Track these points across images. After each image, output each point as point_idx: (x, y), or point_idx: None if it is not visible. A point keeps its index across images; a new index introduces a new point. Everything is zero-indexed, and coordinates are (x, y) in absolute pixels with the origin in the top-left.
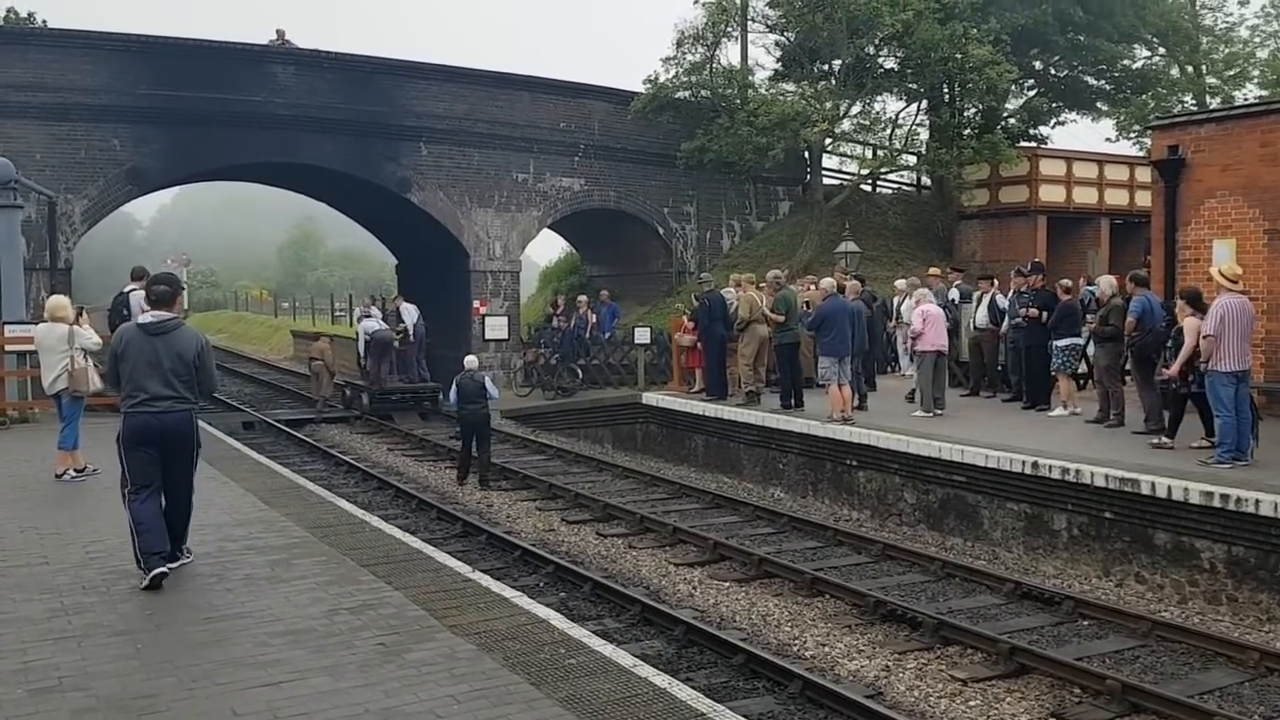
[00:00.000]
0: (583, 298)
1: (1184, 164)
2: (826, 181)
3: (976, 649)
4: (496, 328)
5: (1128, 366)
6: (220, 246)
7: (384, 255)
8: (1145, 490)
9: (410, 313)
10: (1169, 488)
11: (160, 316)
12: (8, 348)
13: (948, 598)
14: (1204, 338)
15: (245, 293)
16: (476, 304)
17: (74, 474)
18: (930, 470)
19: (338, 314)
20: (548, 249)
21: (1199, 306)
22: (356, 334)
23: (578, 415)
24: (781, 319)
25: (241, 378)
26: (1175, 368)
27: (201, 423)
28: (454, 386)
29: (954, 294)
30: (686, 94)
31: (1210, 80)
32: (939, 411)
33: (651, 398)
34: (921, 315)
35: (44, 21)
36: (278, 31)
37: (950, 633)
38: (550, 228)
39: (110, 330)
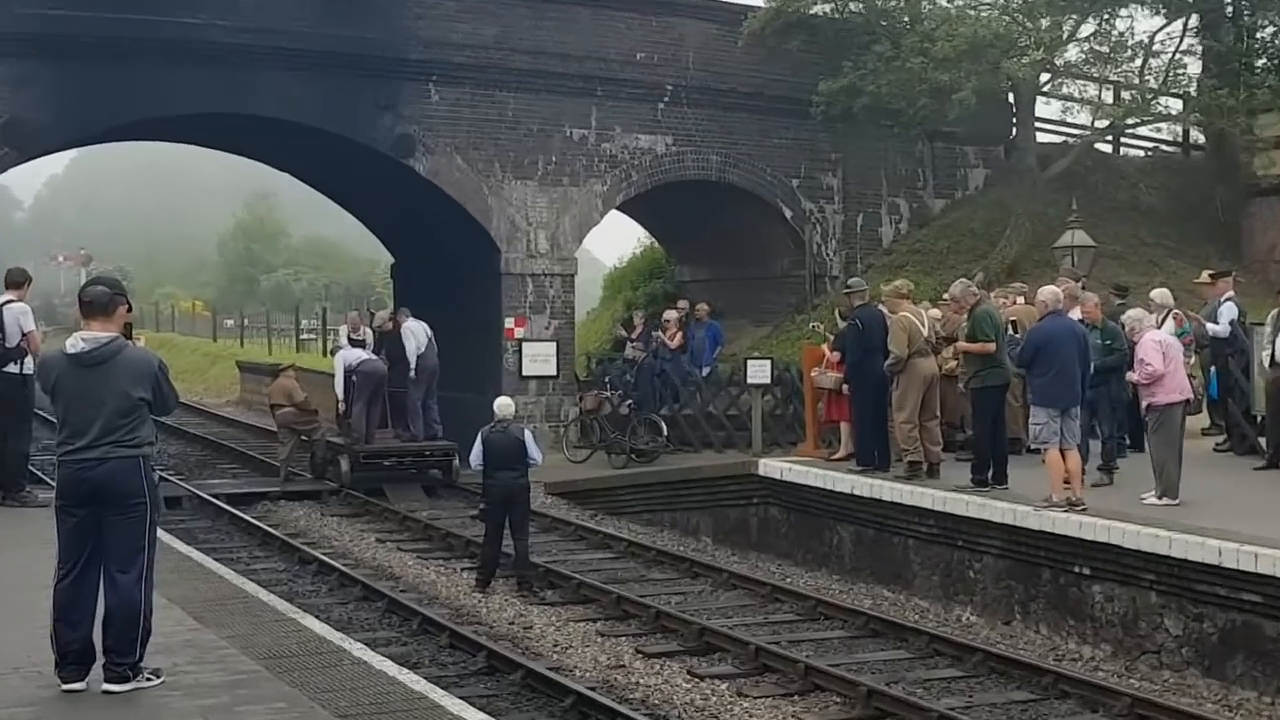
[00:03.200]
0: (671, 314)
1: None
2: (1042, 139)
3: None
4: (540, 359)
5: None
6: (135, 237)
7: (374, 250)
8: None
9: (416, 334)
10: None
11: (95, 340)
12: None
13: None
14: None
15: (172, 305)
16: (510, 323)
17: None
18: (1205, 584)
19: (305, 336)
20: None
21: None
22: (335, 367)
23: (662, 492)
24: (990, 347)
25: (166, 430)
26: None
27: None
28: (478, 445)
29: (1227, 311)
30: (827, 8)
31: None
32: (1172, 501)
33: (773, 467)
34: (1158, 348)
35: None
36: None
37: None
38: (621, 209)
39: None
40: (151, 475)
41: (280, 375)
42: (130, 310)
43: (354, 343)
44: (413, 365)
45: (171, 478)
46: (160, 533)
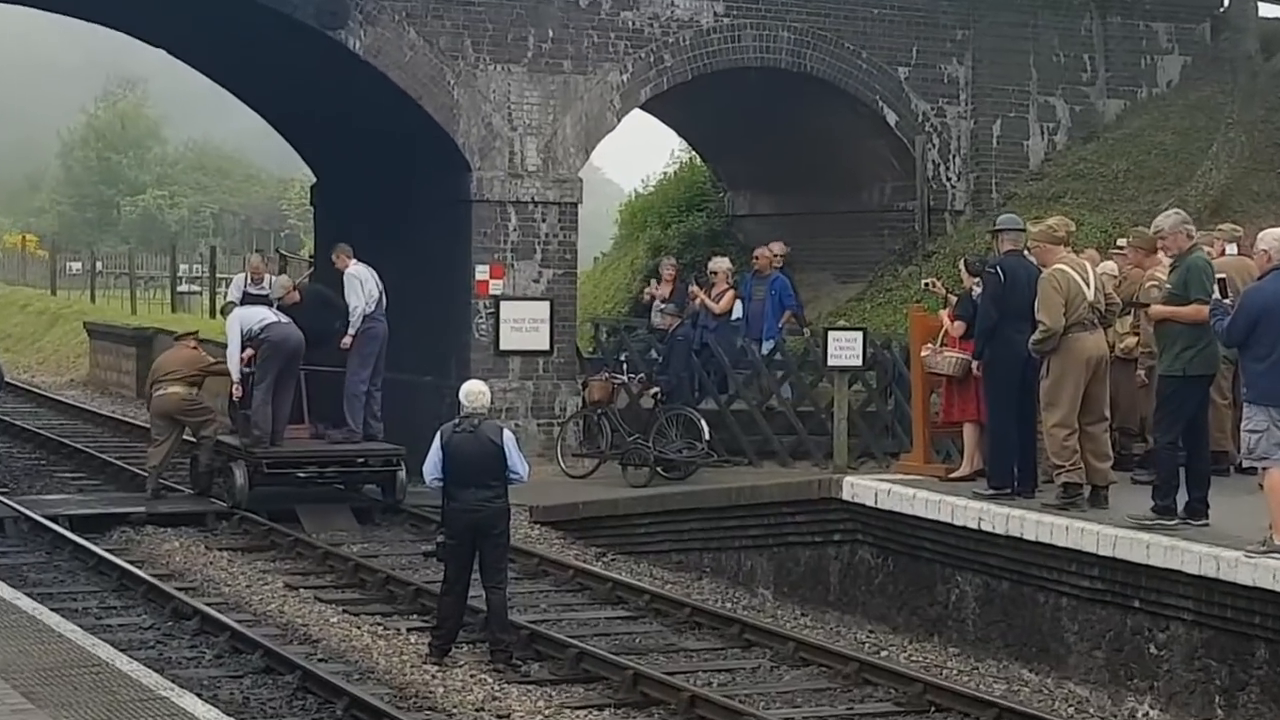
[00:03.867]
0: (719, 264)
1: None
2: (1268, 13)
3: None
4: (526, 326)
5: None
6: None
7: (287, 165)
8: None
9: (363, 281)
10: None
11: None
12: None
13: None
14: None
15: None
16: (484, 274)
17: None
18: None
19: (187, 288)
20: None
21: None
22: (228, 332)
23: (700, 522)
24: (1203, 312)
25: None
26: None
27: None
28: (435, 450)
29: None
30: None
31: None
32: None
33: (864, 488)
34: None
35: None
36: None
37: None
38: (647, 109)
39: None
40: None
41: (178, 344)
42: None
43: (252, 299)
44: (353, 327)
45: None
46: None
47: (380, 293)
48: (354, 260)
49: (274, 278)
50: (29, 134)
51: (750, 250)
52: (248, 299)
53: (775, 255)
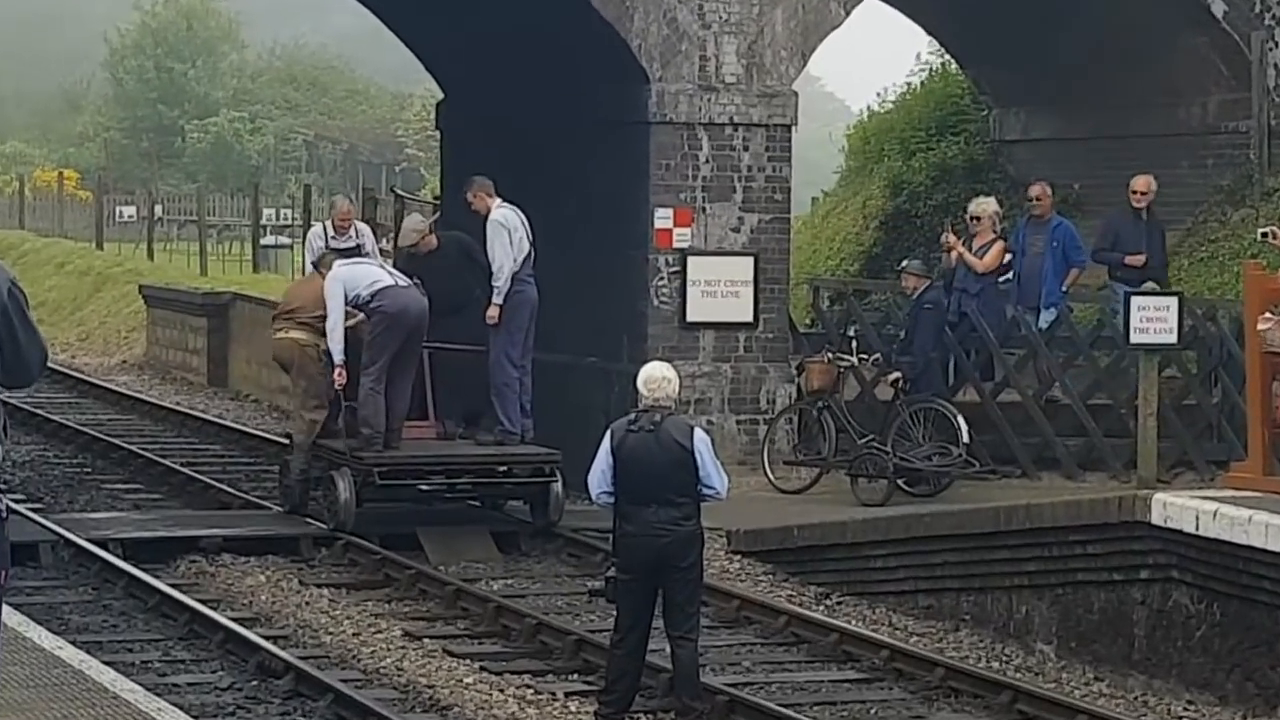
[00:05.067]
0: (983, 205)
1: None
2: None
3: None
4: (722, 291)
5: None
6: None
7: (405, 78)
8: None
9: (511, 230)
10: None
11: None
12: None
13: None
14: None
15: (21, 179)
16: (666, 220)
17: None
18: None
19: (273, 240)
20: (875, 63)
21: None
22: (328, 297)
23: (956, 554)
24: None
25: (13, 417)
26: None
27: None
28: (604, 456)
29: None
30: None
31: None
32: None
33: (1181, 508)
34: None
35: None
36: None
37: None
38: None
39: None
40: None
41: (316, 273)
42: None
43: (340, 253)
44: (500, 294)
45: (22, 508)
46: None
47: (531, 246)
48: (499, 200)
49: (360, 225)
50: (55, 43)
51: (1024, 187)
52: (333, 252)
53: (1047, 198)
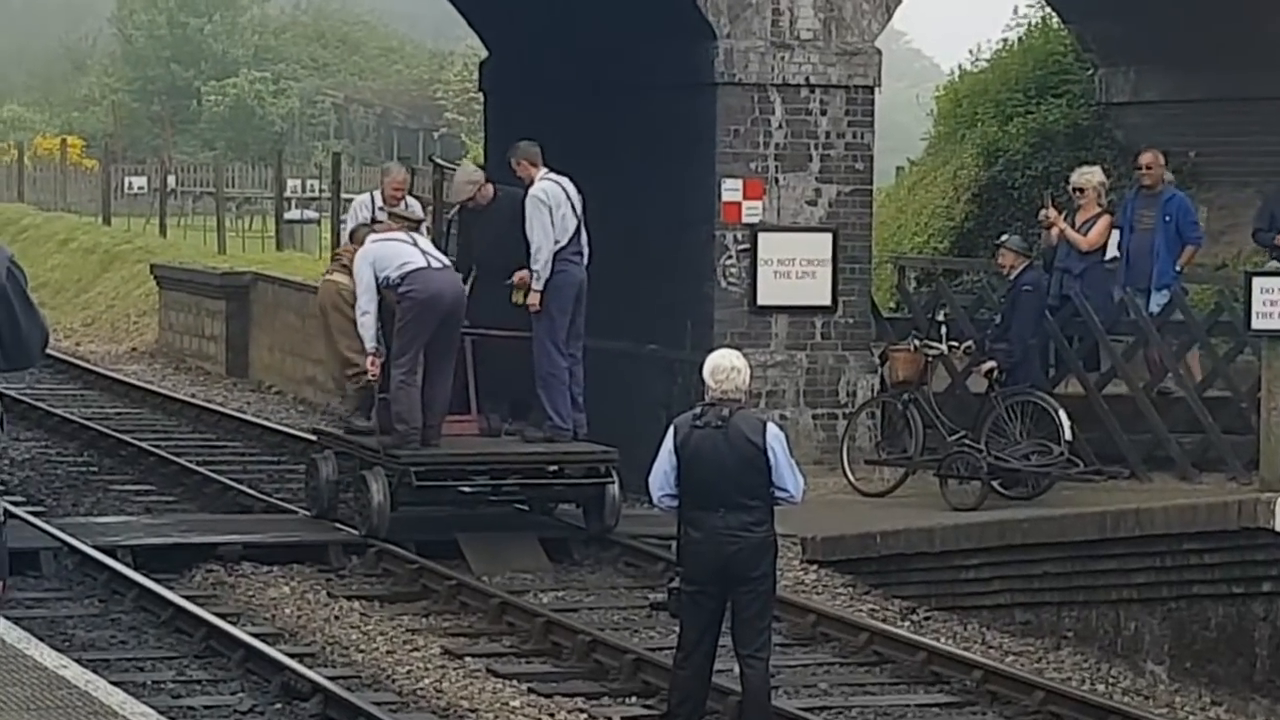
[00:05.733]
0: (1088, 175)
1: None
2: None
3: None
4: (796, 271)
5: None
6: None
7: (444, 33)
8: None
9: (554, 205)
10: None
11: None
12: None
13: None
14: None
15: (20, 146)
16: (733, 192)
17: None
18: None
19: (298, 214)
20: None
21: None
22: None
23: (1057, 564)
24: None
25: (13, 409)
26: None
27: None
28: (666, 454)
29: None
30: None
31: None
32: None
33: None
34: None
35: None
36: None
37: None
38: None
39: None
40: None
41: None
42: None
43: (398, 230)
44: (540, 278)
45: (22, 511)
46: (2, 624)
47: (579, 220)
48: (544, 170)
49: (411, 198)
50: None
51: (1132, 155)
52: (375, 227)
53: (1160, 168)
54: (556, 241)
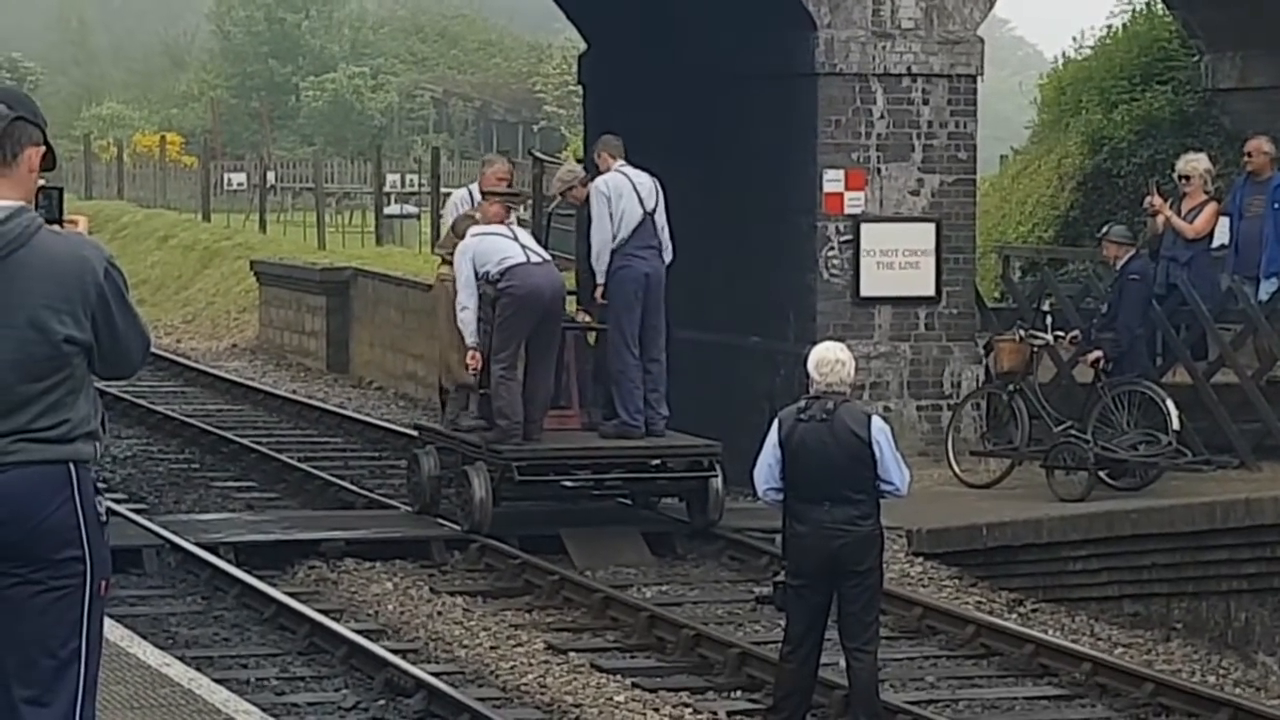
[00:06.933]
0: (1193, 163)
1: None
2: None
3: None
4: (900, 262)
5: None
6: (44, 4)
7: (543, 27)
8: None
9: (613, 198)
10: None
11: None
12: None
13: None
14: None
15: (119, 143)
16: (836, 183)
17: None
18: None
19: (398, 209)
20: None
21: None
22: (457, 270)
23: (1166, 555)
24: None
25: (114, 408)
26: None
27: None
28: (770, 447)
29: None
30: None
31: None
32: None
33: None
34: None
35: None
36: None
37: None
38: None
39: None
40: (92, 503)
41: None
42: (51, 155)
43: (498, 224)
44: (600, 275)
45: (124, 509)
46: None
47: (645, 214)
48: (619, 163)
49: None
50: None
51: (1240, 142)
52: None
53: (1267, 154)
54: (615, 236)
